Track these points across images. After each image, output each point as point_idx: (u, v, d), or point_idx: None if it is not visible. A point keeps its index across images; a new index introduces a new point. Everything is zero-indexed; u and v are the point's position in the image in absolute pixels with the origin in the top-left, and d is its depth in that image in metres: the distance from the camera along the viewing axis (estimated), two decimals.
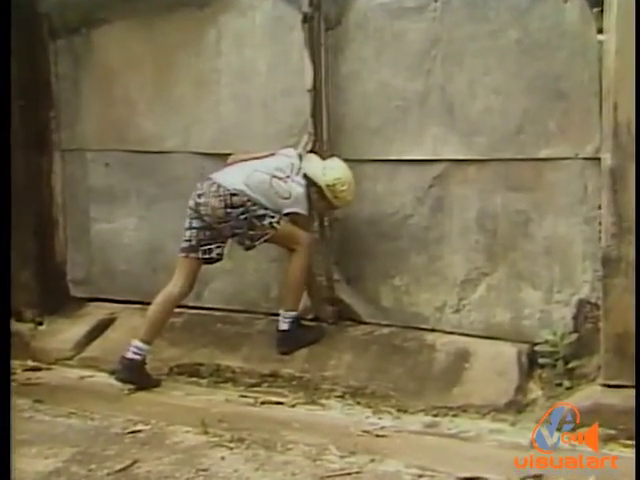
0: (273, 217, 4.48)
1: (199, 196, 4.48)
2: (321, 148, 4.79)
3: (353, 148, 4.77)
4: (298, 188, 4.56)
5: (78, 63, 5.51)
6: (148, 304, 4.67)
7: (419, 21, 4.51)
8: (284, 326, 4.66)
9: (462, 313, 4.64)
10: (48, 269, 5.64)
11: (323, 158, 4.72)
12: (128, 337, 4.59)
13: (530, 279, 4.43)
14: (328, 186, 4.55)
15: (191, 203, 4.52)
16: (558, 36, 4.18)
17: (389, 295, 4.78)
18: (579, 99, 4.16)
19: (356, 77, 4.75)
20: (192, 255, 4.54)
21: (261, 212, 4.45)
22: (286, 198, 4.52)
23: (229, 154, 4.83)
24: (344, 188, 4.57)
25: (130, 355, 4.46)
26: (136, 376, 4.48)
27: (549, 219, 4.35)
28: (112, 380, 4.53)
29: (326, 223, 4.90)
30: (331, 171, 4.58)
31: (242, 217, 4.41)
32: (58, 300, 5.63)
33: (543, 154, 4.32)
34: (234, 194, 4.41)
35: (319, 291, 4.92)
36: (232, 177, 4.50)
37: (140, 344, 4.47)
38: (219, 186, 4.44)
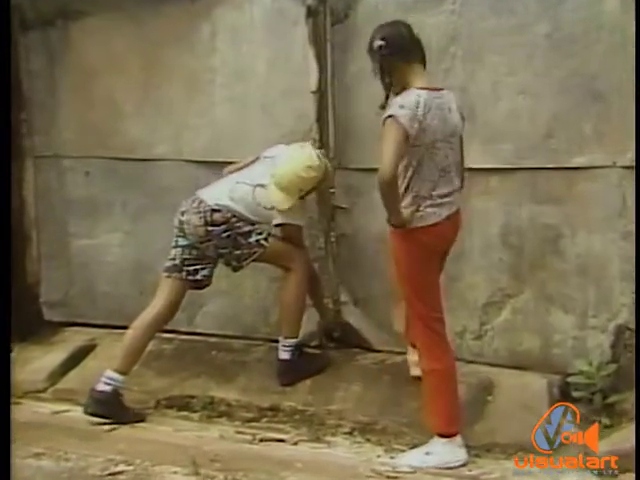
0: (261, 234, 4.48)
1: (182, 213, 4.49)
2: (327, 155, 4.75)
3: (363, 156, 4.72)
4: None
5: (53, 60, 5.48)
6: None
7: (436, 14, 4.50)
8: (284, 355, 4.63)
9: (484, 340, 4.63)
10: (18, 290, 5.51)
11: None
12: (110, 366, 4.51)
13: (561, 302, 4.41)
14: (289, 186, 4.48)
15: (175, 221, 4.53)
16: (594, 29, 4.17)
17: (402, 319, 4.57)
18: (617, 100, 4.14)
19: (366, 77, 4.54)
20: (175, 275, 4.53)
21: (247, 229, 4.45)
22: (270, 208, 4.50)
23: (224, 162, 4.82)
24: (313, 174, 4.49)
25: (100, 387, 4.40)
26: (108, 409, 4.40)
27: (582, 235, 4.33)
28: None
29: (332, 239, 4.87)
30: (280, 178, 4.46)
31: (225, 235, 4.41)
32: (30, 325, 5.56)
33: (576, 162, 4.30)
34: (215, 210, 4.41)
35: (326, 314, 4.90)
36: (216, 192, 4.50)
37: (113, 374, 4.42)
38: (200, 202, 4.44)
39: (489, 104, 4.43)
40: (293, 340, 4.62)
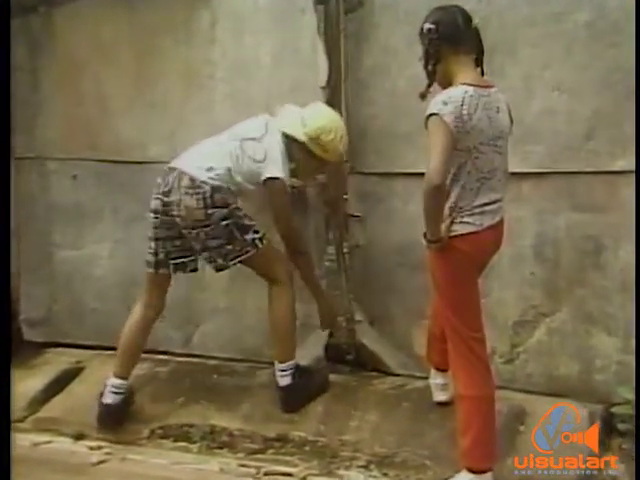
0: (257, 232, 4.37)
1: (166, 194, 4.34)
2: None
3: (379, 159, 4.71)
4: (275, 147, 4.39)
5: (36, 50, 5.43)
6: None
7: (463, 3, 4.32)
8: (285, 381, 4.56)
9: (516, 363, 4.58)
10: None
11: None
12: (99, 392, 4.56)
13: (603, 322, 4.36)
14: (312, 139, 4.39)
15: (155, 205, 4.40)
16: None
17: (423, 340, 4.59)
18: None
19: (383, 71, 4.69)
20: (162, 271, 4.50)
21: (246, 222, 4.34)
22: (260, 161, 4.35)
23: None
24: (331, 137, 4.38)
25: (110, 399, 4.46)
26: (124, 416, 4.52)
27: (626, 247, 4.25)
28: (76, 446, 4.46)
29: (345, 250, 4.81)
30: (311, 120, 4.41)
31: (224, 223, 4.28)
32: None
33: (618, 166, 4.23)
34: (216, 189, 4.27)
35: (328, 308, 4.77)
36: (203, 159, 4.37)
37: (119, 381, 4.48)
38: (192, 179, 4.28)
39: (521, 101, 4.33)
40: (291, 362, 4.55)
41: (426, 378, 4.52)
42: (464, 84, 3.50)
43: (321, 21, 4.63)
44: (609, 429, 4.14)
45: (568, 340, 4.43)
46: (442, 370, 4.28)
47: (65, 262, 5.53)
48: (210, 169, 4.29)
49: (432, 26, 3.59)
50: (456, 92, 3.46)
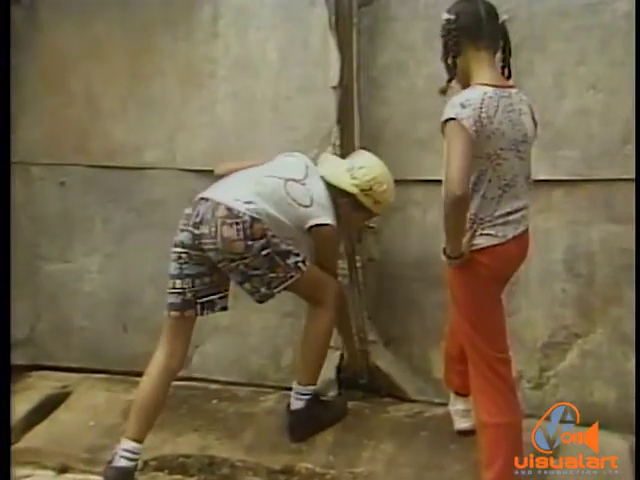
0: (298, 255, 4.25)
1: (197, 225, 4.16)
2: None
3: (395, 165, 4.56)
4: (321, 192, 4.35)
5: (19, 45, 5.26)
6: (116, 373, 4.55)
7: None
8: (298, 404, 4.48)
9: (545, 389, 4.53)
10: None
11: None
12: (87, 419, 4.42)
13: None
14: (363, 191, 4.36)
15: (183, 237, 4.21)
16: None
17: (442, 362, 4.53)
18: None
19: (399, 69, 4.66)
20: (188, 313, 4.28)
21: (284, 247, 4.20)
22: (307, 206, 4.28)
23: None
24: (384, 188, 4.38)
25: (122, 463, 4.13)
26: None
27: None
28: None
29: (358, 264, 4.75)
30: (361, 171, 4.38)
31: (264, 253, 4.14)
32: None
33: None
34: (255, 219, 4.12)
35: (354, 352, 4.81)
36: (240, 192, 4.21)
37: (133, 444, 4.15)
38: (229, 209, 4.13)
39: (552, 101, 4.33)
40: (312, 388, 4.47)
41: (446, 404, 4.46)
42: (482, 84, 3.45)
43: (332, 15, 4.58)
44: None
45: (603, 363, 4.39)
46: (462, 395, 4.21)
47: (51, 276, 5.44)
48: (249, 202, 4.15)
49: (452, 16, 3.57)
50: (474, 93, 3.41)
